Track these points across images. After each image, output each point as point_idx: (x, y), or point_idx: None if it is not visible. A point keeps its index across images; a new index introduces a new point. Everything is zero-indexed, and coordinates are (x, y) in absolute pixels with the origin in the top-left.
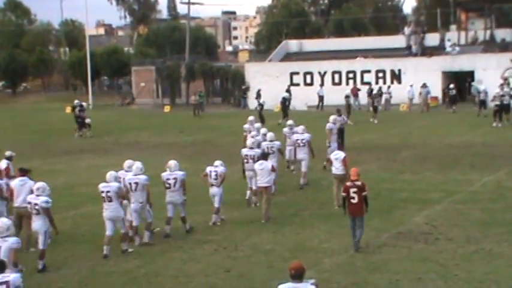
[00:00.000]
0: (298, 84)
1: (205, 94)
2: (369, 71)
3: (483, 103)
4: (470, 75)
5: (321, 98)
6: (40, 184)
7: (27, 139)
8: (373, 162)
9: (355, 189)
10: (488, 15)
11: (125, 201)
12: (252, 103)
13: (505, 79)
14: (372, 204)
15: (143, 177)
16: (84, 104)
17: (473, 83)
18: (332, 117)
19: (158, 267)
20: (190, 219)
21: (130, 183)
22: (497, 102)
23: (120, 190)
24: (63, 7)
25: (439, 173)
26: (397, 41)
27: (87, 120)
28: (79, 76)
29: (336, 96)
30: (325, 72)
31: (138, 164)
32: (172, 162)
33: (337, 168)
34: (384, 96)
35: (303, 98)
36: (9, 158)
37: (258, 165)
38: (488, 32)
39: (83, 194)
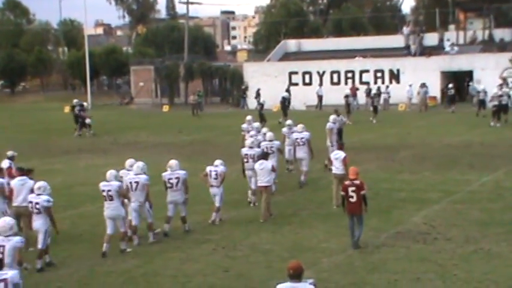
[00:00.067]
0: (296, 84)
1: (204, 94)
2: (367, 71)
3: (482, 103)
4: (468, 75)
5: (320, 98)
6: (41, 183)
7: (25, 139)
8: (371, 162)
9: (353, 188)
10: (486, 15)
11: (126, 201)
12: (252, 103)
13: (504, 79)
14: (370, 204)
15: (144, 176)
16: (85, 104)
17: (471, 83)
18: (332, 117)
19: (157, 267)
20: (188, 219)
21: (130, 183)
22: (496, 103)
23: (121, 189)
24: (62, 7)
25: (438, 173)
26: (396, 40)
27: (88, 121)
28: (78, 76)
29: (334, 95)
30: (323, 72)
31: (139, 164)
32: (173, 162)
33: (337, 168)
34: (383, 96)
35: (302, 98)
36: (11, 158)
37: (258, 165)
38: (486, 31)
39: (81, 193)
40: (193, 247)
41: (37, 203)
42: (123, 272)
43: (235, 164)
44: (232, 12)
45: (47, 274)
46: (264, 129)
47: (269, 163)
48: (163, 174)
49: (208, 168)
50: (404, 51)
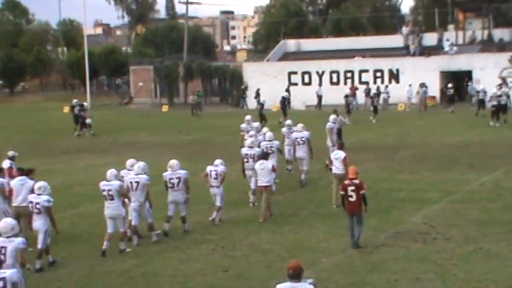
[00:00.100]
0: (296, 84)
1: (203, 94)
2: (367, 71)
3: (482, 103)
4: (468, 75)
5: (320, 98)
6: (41, 183)
7: (25, 139)
8: (371, 162)
9: (353, 188)
10: (485, 15)
11: (127, 200)
12: (251, 103)
13: (503, 79)
14: (370, 204)
15: (144, 176)
16: (85, 104)
17: (469, 83)
18: (332, 117)
19: (156, 267)
20: (188, 219)
21: (131, 182)
22: (494, 103)
23: (122, 188)
24: (61, 7)
25: (437, 172)
26: (395, 40)
27: (88, 121)
28: (77, 76)
29: (334, 95)
30: (323, 72)
31: (140, 164)
32: (174, 162)
33: (337, 168)
34: (382, 96)
35: (301, 98)
36: (12, 158)
37: (258, 165)
38: (486, 31)
39: (80, 193)
40: (192, 247)
41: (37, 203)
42: (123, 272)
43: (234, 164)
44: (232, 12)
45: (46, 274)
46: (265, 129)
47: (269, 163)
48: (164, 174)
49: (208, 168)
50: (403, 51)
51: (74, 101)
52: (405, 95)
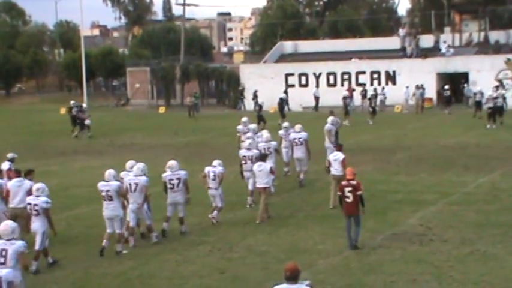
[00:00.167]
0: (293, 86)
1: (200, 95)
2: (363, 73)
3: (479, 104)
4: (464, 76)
5: (317, 99)
6: (39, 185)
7: (21, 140)
8: (367, 164)
9: (350, 189)
10: (482, 17)
11: (126, 202)
12: (249, 104)
13: (500, 81)
14: (366, 205)
15: (143, 178)
16: (84, 105)
17: (465, 85)
18: (330, 118)
19: (152, 269)
20: (185, 221)
21: (130, 184)
22: (491, 105)
23: (120, 188)
24: (58, 8)
25: (434, 174)
26: (392, 42)
27: (87, 122)
28: (74, 77)
29: (330, 97)
30: (320, 74)
31: (139, 165)
32: (173, 162)
33: (336, 169)
34: (379, 98)
35: (298, 100)
36: (11, 160)
37: (256, 167)
38: (482, 33)
39: (77, 195)
40: (189, 249)
41: (35, 205)
42: (119, 274)
43: (231, 165)
44: (229, 14)
45: (43, 276)
46: (264, 131)
47: (267, 165)
48: (164, 175)
49: (206, 169)
50: (400, 53)
51: (72, 102)
52: (402, 97)
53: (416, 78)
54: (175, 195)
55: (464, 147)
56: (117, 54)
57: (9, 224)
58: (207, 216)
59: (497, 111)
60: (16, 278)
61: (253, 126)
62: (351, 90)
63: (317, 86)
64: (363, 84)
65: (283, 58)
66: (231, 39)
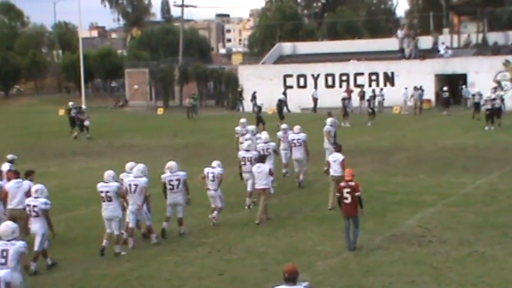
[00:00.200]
0: (291, 87)
1: (199, 97)
2: (362, 74)
3: (478, 106)
4: (463, 78)
5: (316, 101)
6: (38, 186)
7: (20, 142)
8: (366, 165)
9: (348, 190)
10: (480, 18)
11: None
12: (248, 105)
13: (498, 82)
14: (365, 207)
15: (143, 179)
16: (83, 106)
17: (463, 87)
18: (330, 120)
19: (151, 270)
20: (184, 222)
21: (130, 185)
22: (488, 107)
23: (120, 189)
24: (57, 9)
25: (432, 175)
26: (390, 44)
27: (86, 123)
28: (72, 78)
29: (329, 98)
30: (318, 75)
31: (139, 167)
32: (172, 163)
33: (335, 170)
34: (377, 99)
35: (297, 101)
36: (11, 161)
37: (255, 168)
38: (480, 35)
39: (75, 196)
40: (188, 250)
41: (35, 206)
42: (118, 275)
43: (230, 166)
44: (227, 15)
45: (41, 277)
46: (263, 132)
47: (266, 166)
48: (163, 176)
49: (206, 170)
50: (398, 55)
51: (70, 103)
52: (401, 98)
53: (414, 79)
54: (175, 196)
55: (462, 148)
56: (116, 56)
57: (9, 224)
58: (206, 217)
59: (495, 113)
60: (15, 280)
61: (251, 127)
62: (349, 91)
63: (315, 87)
64: (361, 86)
65: (281, 59)
66: (229, 40)
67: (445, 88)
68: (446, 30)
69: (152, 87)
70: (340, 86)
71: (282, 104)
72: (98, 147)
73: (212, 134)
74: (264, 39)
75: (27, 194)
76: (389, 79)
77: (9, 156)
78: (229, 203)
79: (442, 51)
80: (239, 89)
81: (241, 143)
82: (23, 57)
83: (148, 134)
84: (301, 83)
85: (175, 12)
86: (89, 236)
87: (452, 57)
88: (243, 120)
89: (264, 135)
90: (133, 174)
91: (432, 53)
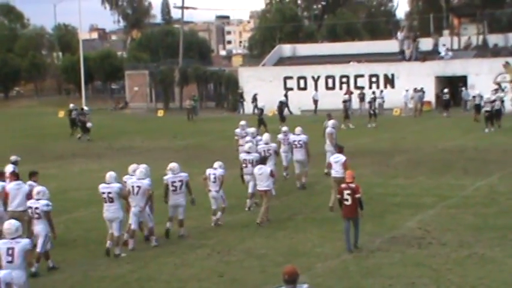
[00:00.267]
0: (291, 89)
1: (199, 98)
2: (362, 76)
3: (478, 108)
4: (463, 80)
5: (316, 103)
6: (40, 188)
7: (20, 143)
8: (366, 167)
9: (348, 191)
10: (480, 20)
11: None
12: (249, 107)
13: (498, 84)
14: (365, 208)
15: (146, 181)
16: (86, 108)
17: (463, 89)
18: (331, 122)
19: (151, 272)
20: (184, 224)
21: (132, 187)
22: (488, 108)
23: (122, 190)
24: (57, 11)
25: (432, 177)
26: (390, 45)
27: (88, 125)
28: (72, 80)
29: (329, 100)
30: (318, 77)
31: (141, 169)
32: (174, 165)
33: (337, 172)
34: (377, 101)
35: (297, 103)
36: (14, 163)
37: (257, 170)
38: (480, 37)
39: (75, 198)
40: (188, 252)
41: (37, 208)
42: (117, 277)
43: (230, 168)
44: (227, 17)
45: (41, 279)
46: (265, 134)
47: (268, 168)
48: (166, 177)
49: (207, 171)
50: (398, 56)
51: (71, 105)
52: (401, 100)
53: (414, 81)
54: (177, 198)
55: (462, 150)
56: (116, 58)
57: (12, 222)
58: (205, 219)
59: (494, 115)
60: (20, 278)
61: (251, 129)
62: (349, 93)
63: (316, 89)
64: (362, 88)
65: (281, 61)
66: (229, 42)
67: (445, 90)
68: (446, 32)
69: (152, 89)
70: (341, 88)
71: (283, 105)
72: (97, 149)
73: (212, 136)
74: (264, 41)
75: (28, 196)
76: (390, 81)
77: (13, 158)
78: (229, 205)
79: (442, 53)
80: (239, 91)
81: (241, 145)
82: (23, 59)
83: (148, 136)
84: (302, 84)
85: (175, 14)
86: (88, 237)
87: (452, 59)
88: (243, 122)
89: (265, 136)
90: (136, 176)
91: (432, 54)
